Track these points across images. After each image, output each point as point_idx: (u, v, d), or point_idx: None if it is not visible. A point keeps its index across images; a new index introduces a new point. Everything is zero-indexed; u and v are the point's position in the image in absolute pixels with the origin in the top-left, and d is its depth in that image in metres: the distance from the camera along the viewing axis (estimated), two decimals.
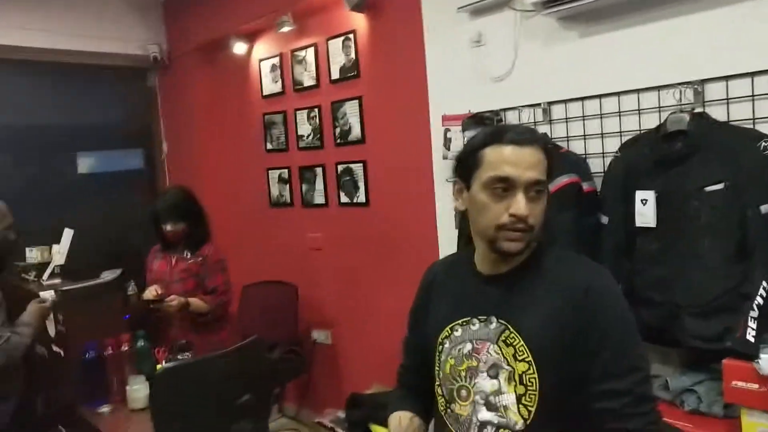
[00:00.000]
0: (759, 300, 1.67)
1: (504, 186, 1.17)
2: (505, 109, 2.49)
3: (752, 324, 1.66)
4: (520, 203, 1.16)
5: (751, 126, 1.88)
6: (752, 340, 1.64)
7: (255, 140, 3.94)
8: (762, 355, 1.60)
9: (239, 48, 3.87)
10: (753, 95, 1.89)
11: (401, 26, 2.96)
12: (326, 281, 3.61)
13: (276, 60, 3.70)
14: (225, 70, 4.10)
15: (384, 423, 2.82)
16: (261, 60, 3.81)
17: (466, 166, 1.25)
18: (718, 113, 1.94)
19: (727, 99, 1.94)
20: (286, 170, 3.77)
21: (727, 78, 1.93)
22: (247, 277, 3.86)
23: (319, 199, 3.58)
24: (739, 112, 1.92)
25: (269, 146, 3.86)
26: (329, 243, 3.57)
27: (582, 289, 1.18)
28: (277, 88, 3.74)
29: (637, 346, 1.19)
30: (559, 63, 2.35)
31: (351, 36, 3.23)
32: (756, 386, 1.61)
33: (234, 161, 4.16)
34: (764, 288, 1.67)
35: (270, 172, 3.89)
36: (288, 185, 3.78)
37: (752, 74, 1.89)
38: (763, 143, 1.76)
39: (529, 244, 1.21)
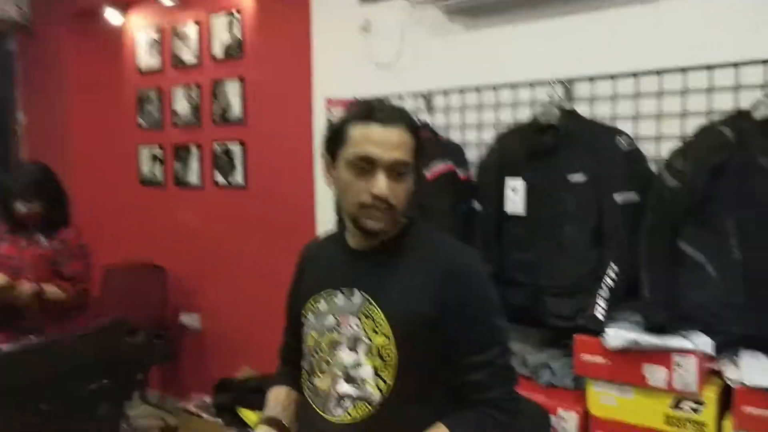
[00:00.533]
0: (608, 281, 1.82)
1: (366, 165, 1.16)
2: (389, 96, 2.52)
3: (601, 303, 1.80)
4: (380, 183, 1.15)
5: (611, 123, 2.04)
6: (601, 317, 1.78)
7: (127, 115, 3.70)
8: (608, 330, 1.74)
9: (113, 17, 3.61)
10: (614, 95, 2.07)
11: (289, 7, 2.92)
12: (198, 264, 3.47)
13: (155, 33, 3.51)
14: (98, 40, 3.81)
15: (253, 407, 2.79)
16: (138, 32, 3.59)
17: (333, 142, 1.23)
18: (584, 110, 2.09)
19: (592, 97, 2.10)
20: (160, 148, 3.58)
21: (592, 78, 2.10)
22: (112, 258, 3.62)
23: (193, 179, 3.44)
24: (602, 110, 2.09)
25: (142, 122, 3.65)
26: (203, 225, 3.44)
27: (446, 267, 1.20)
28: (154, 62, 3.54)
29: (497, 321, 1.23)
30: (443, 54, 2.43)
31: (236, 14, 3.13)
32: (601, 359, 1.76)
33: (103, 136, 3.87)
34: (613, 270, 1.83)
35: (141, 148, 3.67)
36: (161, 164, 3.59)
37: (613, 76, 2.06)
38: (620, 138, 1.92)
39: (393, 223, 1.21)
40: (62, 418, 2.08)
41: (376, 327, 1.19)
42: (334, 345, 1.23)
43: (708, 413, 1.63)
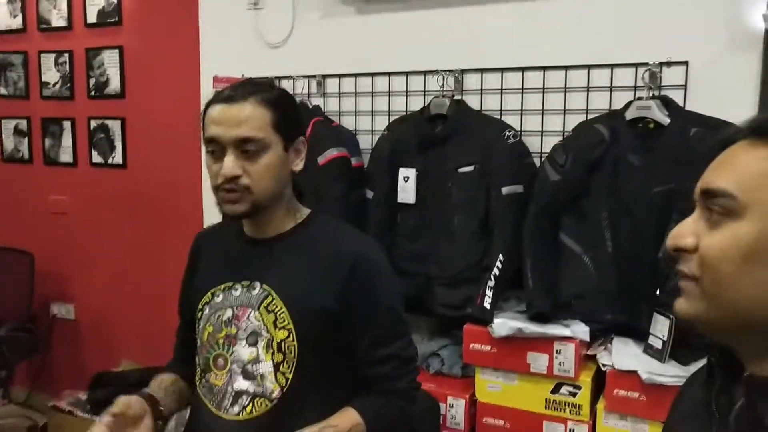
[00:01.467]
0: (495, 272, 1.87)
1: (214, 147, 1.14)
2: (279, 77, 2.43)
3: (489, 293, 1.85)
4: (226, 163, 1.11)
5: (499, 116, 2.09)
6: (488, 307, 1.83)
7: None
8: (495, 320, 1.80)
9: None
10: (502, 89, 2.11)
11: None
12: (71, 250, 3.20)
13: None
14: None
15: None
16: None
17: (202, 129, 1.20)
18: (473, 102, 2.12)
19: (482, 90, 2.13)
20: (25, 121, 3.25)
21: (482, 71, 2.12)
22: None
23: (65, 157, 3.15)
24: (490, 103, 2.12)
25: (3, 91, 3.28)
26: (76, 207, 3.17)
27: (350, 259, 1.18)
28: (15, 23, 3.18)
29: (401, 314, 1.24)
30: (336, 37, 2.36)
31: None
32: (489, 348, 1.82)
33: None
34: (500, 261, 1.88)
35: (4, 121, 3.31)
36: (27, 139, 3.26)
37: (502, 70, 2.10)
38: (507, 132, 1.97)
39: (254, 207, 1.16)
40: None
41: (278, 321, 1.15)
42: (231, 340, 1.18)
43: (583, 396, 1.73)
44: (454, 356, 2.00)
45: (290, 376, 1.15)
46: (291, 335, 1.15)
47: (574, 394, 1.74)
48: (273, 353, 1.15)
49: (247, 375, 1.16)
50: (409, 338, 1.25)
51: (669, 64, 1.86)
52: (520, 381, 1.80)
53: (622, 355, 1.71)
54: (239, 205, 1.14)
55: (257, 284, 1.19)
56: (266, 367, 1.15)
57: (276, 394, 1.15)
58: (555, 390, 1.76)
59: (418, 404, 1.38)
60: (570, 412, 1.74)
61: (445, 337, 2.09)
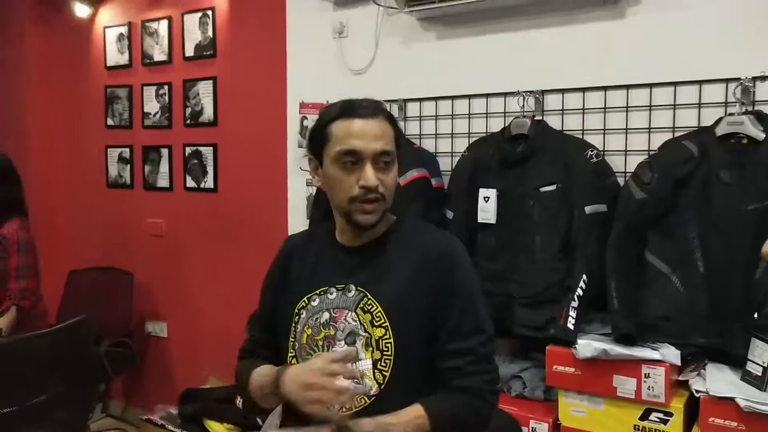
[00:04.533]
0: (579, 292, 1.84)
1: (352, 159, 1.19)
2: None
3: (572, 313, 1.81)
4: (368, 174, 1.18)
5: (581, 136, 2.06)
6: (572, 327, 1.79)
7: (94, 114, 3.60)
8: (579, 341, 1.75)
9: (80, 10, 3.52)
10: (584, 108, 2.09)
11: (263, 8, 2.89)
12: (165, 270, 3.39)
13: (124, 29, 3.43)
14: (63, 32, 3.69)
15: (220, 418, 2.73)
16: (106, 27, 3.51)
17: (317, 142, 1.26)
18: (554, 122, 2.11)
19: (563, 110, 2.12)
20: (128, 149, 3.50)
21: (563, 91, 2.12)
22: (77, 261, 3.53)
23: (162, 182, 3.37)
24: (571, 123, 2.11)
25: (110, 122, 3.56)
26: (171, 229, 3.37)
27: (435, 254, 1.24)
28: (123, 59, 3.46)
29: (482, 309, 1.26)
30: (416, 62, 2.43)
31: (209, 12, 3.08)
32: (573, 370, 1.77)
33: (68, 135, 3.76)
34: (584, 281, 1.84)
35: (109, 150, 3.59)
36: (129, 165, 3.51)
37: (583, 90, 2.08)
38: (589, 152, 1.94)
39: (384, 214, 1.24)
40: (15, 424, 2.00)
41: (374, 320, 1.20)
42: (330, 341, 1.23)
43: (675, 424, 1.66)
44: (536, 379, 1.96)
45: (387, 373, 1.19)
46: (388, 332, 1.19)
47: (665, 422, 1.67)
48: (372, 351, 1.20)
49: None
50: (489, 336, 1.25)
51: (763, 78, 1.79)
52: (607, 405, 1.74)
53: (717, 381, 1.62)
54: (374, 215, 1.22)
55: (352, 287, 1.25)
56: (365, 365, 1.20)
57: (374, 390, 1.19)
58: (644, 416, 1.69)
59: (498, 428, 1.36)
60: None
61: (525, 360, 2.06)
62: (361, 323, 1.21)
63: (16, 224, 2.66)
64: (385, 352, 1.19)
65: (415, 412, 1.16)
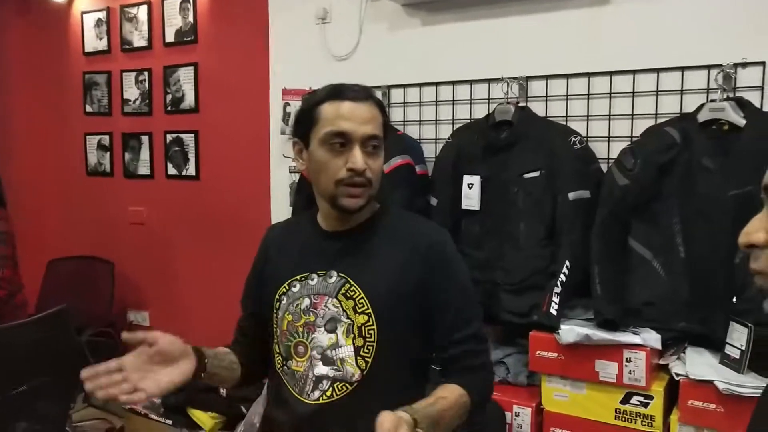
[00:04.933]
0: (562, 278, 1.85)
1: (341, 141, 1.17)
2: None
3: (555, 299, 1.83)
4: (357, 157, 1.16)
5: (565, 122, 2.07)
6: (554, 313, 1.81)
7: (73, 101, 3.54)
8: (562, 327, 1.77)
9: None
10: (567, 95, 2.09)
11: None
12: (147, 259, 3.36)
13: (102, 14, 3.37)
14: (40, 18, 3.63)
15: (204, 407, 2.72)
16: (84, 12, 3.44)
17: (304, 125, 1.23)
18: (538, 108, 2.11)
19: (547, 96, 2.12)
20: (108, 136, 3.45)
21: (547, 77, 2.12)
22: (56, 251, 3.48)
23: (143, 169, 3.33)
24: (555, 109, 2.11)
25: (89, 109, 3.50)
26: (152, 217, 3.33)
27: (424, 244, 1.22)
28: (101, 45, 3.40)
29: (473, 296, 1.27)
30: (400, 48, 2.41)
31: None
32: (555, 355, 1.79)
33: (47, 123, 3.70)
34: (567, 267, 1.85)
35: (88, 137, 3.53)
36: (109, 153, 3.46)
37: (567, 76, 2.08)
38: (573, 138, 1.95)
39: (369, 200, 1.23)
40: None
41: (357, 306, 1.19)
42: (310, 327, 1.22)
43: (656, 407, 1.68)
44: (520, 365, 1.97)
45: (370, 360, 1.19)
46: (371, 319, 1.19)
47: (645, 405, 1.69)
48: (354, 338, 1.19)
49: (327, 360, 1.20)
50: (482, 318, 1.29)
51: (744, 65, 1.80)
52: (589, 390, 1.76)
53: (697, 364, 1.64)
54: (361, 199, 1.19)
55: (333, 273, 1.23)
56: (347, 351, 1.19)
57: (356, 377, 1.18)
58: (625, 400, 1.71)
59: (485, 412, 1.38)
60: (642, 423, 1.69)
61: (510, 346, 2.07)
62: (343, 309, 1.20)
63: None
64: (368, 339, 1.19)
65: (458, 390, 1.16)
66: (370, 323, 1.19)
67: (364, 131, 1.17)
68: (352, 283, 1.21)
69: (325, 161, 1.19)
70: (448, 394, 1.14)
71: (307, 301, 1.23)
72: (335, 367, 1.19)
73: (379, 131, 1.20)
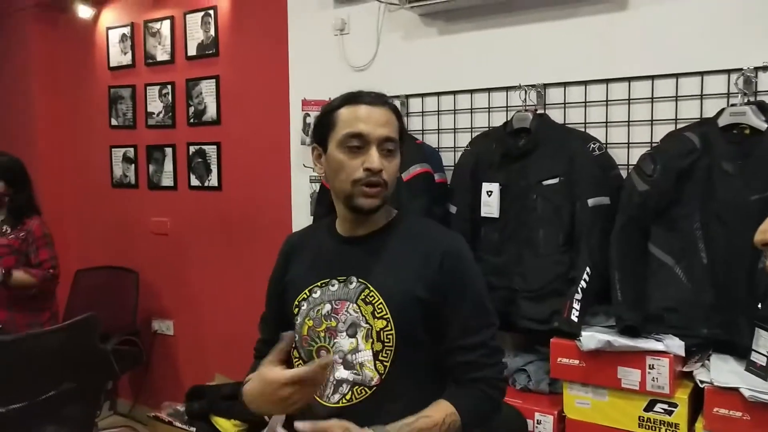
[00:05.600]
0: (582, 284, 1.84)
1: (358, 142, 1.21)
2: None
3: (576, 306, 1.82)
4: (373, 157, 1.20)
5: (583, 129, 2.07)
6: (576, 320, 1.80)
7: (98, 115, 3.62)
8: (583, 333, 1.76)
9: (83, 12, 3.54)
10: (585, 102, 2.09)
11: (265, 7, 2.90)
12: (171, 268, 3.41)
13: (126, 30, 3.45)
14: (66, 34, 3.71)
15: (227, 414, 2.74)
16: (109, 28, 3.52)
17: (322, 129, 1.27)
18: (556, 115, 2.11)
19: (565, 103, 2.12)
20: (133, 149, 3.52)
21: (565, 84, 2.12)
22: (82, 261, 3.56)
23: (167, 181, 3.39)
24: (573, 116, 2.11)
25: (114, 122, 3.58)
26: (176, 228, 3.39)
27: (440, 251, 1.24)
28: (126, 60, 3.48)
29: (488, 304, 1.28)
30: (418, 57, 2.43)
31: (211, 12, 3.09)
32: (577, 362, 1.78)
33: (73, 136, 3.79)
34: (587, 273, 1.84)
35: (114, 150, 3.61)
36: (133, 165, 3.53)
37: (585, 83, 2.08)
38: (592, 144, 1.95)
39: (384, 201, 1.25)
40: (24, 420, 2.01)
41: (376, 311, 1.22)
42: (331, 332, 1.25)
43: (680, 415, 1.66)
44: (541, 372, 1.97)
45: (388, 364, 1.21)
46: (389, 324, 1.21)
47: (669, 413, 1.67)
48: (372, 342, 1.21)
49: (347, 365, 1.22)
50: (496, 328, 1.29)
51: (765, 68, 1.79)
52: (611, 397, 1.75)
53: (722, 371, 1.62)
54: (376, 200, 1.23)
55: (353, 279, 1.26)
56: (366, 355, 1.21)
57: (375, 381, 1.21)
58: (648, 407, 1.69)
59: (504, 421, 1.38)
60: (666, 431, 1.67)
61: (530, 353, 2.06)
62: (362, 314, 1.22)
63: (37, 221, 2.83)
64: (386, 344, 1.21)
65: (447, 409, 1.18)
66: (389, 328, 1.20)
67: (380, 133, 1.21)
68: (371, 288, 1.23)
69: (343, 162, 1.22)
70: (433, 413, 1.16)
71: (328, 307, 1.26)
72: (355, 371, 1.21)
73: (394, 134, 1.24)
